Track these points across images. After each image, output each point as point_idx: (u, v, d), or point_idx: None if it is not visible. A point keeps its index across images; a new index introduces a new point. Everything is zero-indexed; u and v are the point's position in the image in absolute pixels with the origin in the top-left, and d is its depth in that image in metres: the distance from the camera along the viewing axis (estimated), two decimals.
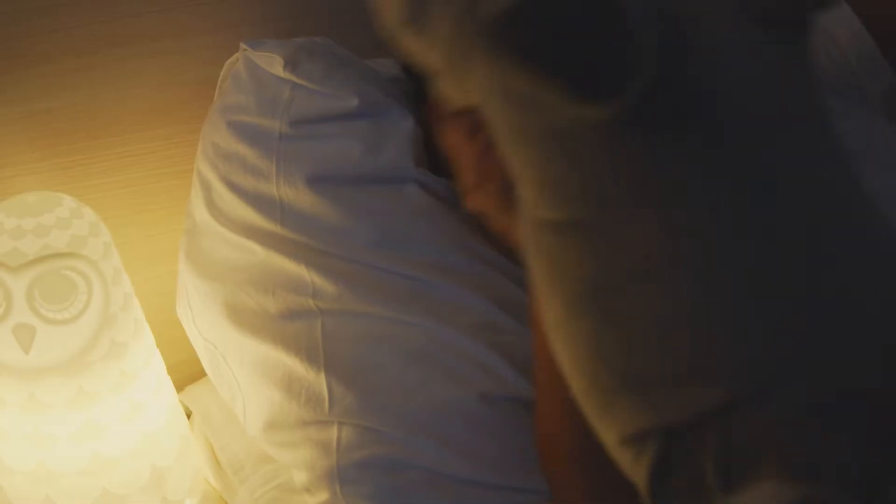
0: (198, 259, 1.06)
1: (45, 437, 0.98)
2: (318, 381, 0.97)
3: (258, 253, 1.02)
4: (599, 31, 0.62)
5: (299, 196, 1.02)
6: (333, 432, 0.96)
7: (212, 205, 1.06)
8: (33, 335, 0.94)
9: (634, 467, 0.79)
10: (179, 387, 1.15)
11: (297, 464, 0.99)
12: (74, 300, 0.95)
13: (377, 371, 0.97)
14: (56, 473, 0.99)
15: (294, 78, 1.05)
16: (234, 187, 1.04)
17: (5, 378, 0.96)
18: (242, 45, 1.09)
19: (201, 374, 1.14)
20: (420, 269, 1.02)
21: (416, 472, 0.95)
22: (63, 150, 1.14)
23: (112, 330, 0.98)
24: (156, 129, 1.17)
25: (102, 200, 1.16)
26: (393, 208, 1.04)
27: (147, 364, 1.03)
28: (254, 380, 1.01)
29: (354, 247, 1.01)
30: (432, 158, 1.08)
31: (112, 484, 1.00)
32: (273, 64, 1.07)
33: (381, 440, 0.95)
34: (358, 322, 0.99)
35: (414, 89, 1.09)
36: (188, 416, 1.17)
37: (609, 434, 0.80)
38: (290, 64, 1.06)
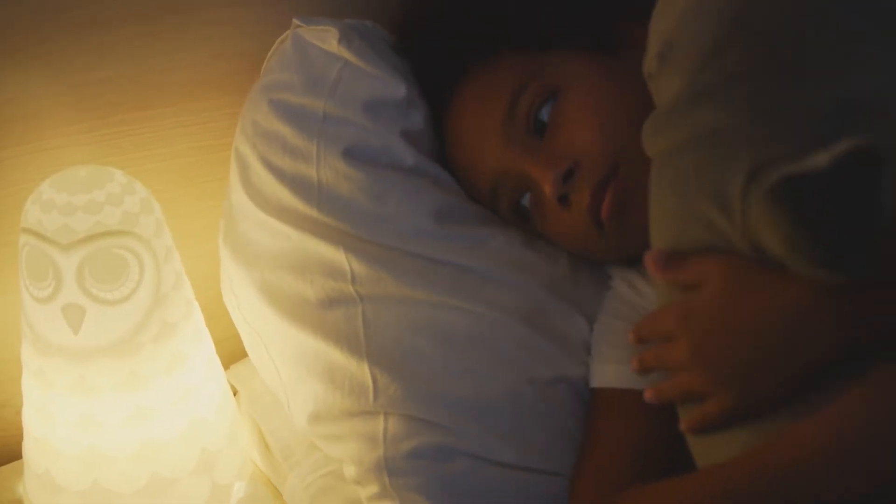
0: (235, 244, 1.03)
1: (95, 421, 0.95)
2: (361, 370, 0.94)
3: (292, 237, 0.99)
4: (861, 225, 0.65)
5: (338, 179, 0.98)
6: (380, 423, 0.93)
7: (248, 183, 1.02)
8: (83, 315, 0.91)
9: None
10: (225, 364, 1.11)
11: (345, 457, 0.96)
12: (126, 280, 0.92)
13: (421, 358, 0.94)
14: (105, 458, 0.96)
15: (347, 54, 1.01)
16: (271, 167, 1.00)
17: (54, 359, 0.93)
18: (295, 21, 1.05)
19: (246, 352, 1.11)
20: (463, 254, 0.99)
21: (464, 460, 0.92)
22: (112, 122, 1.10)
23: (163, 310, 0.95)
24: (207, 101, 1.13)
25: (151, 173, 1.12)
26: (433, 193, 1.01)
27: (197, 345, 1.00)
28: (296, 371, 0.98)
29: (393, 232, 0.98)
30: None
31: (161, 468, 0.97)
32: (327, 38, 1.03)
33: (429, 429, 0.93)
34: (399, 308, 0.96)
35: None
36: (235, 394, 1.14)
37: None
38: (346, 39, 1.02)
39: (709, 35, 0.77)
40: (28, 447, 1.01)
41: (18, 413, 1.01)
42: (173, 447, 0.98)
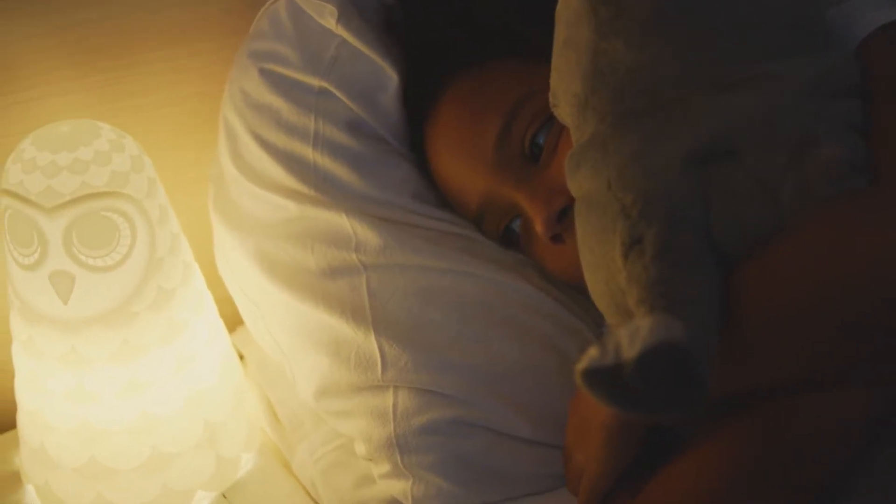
0: (227, 210, 0.97)
1: (89, 394, 0.89)
2: (368, 342, 0.88)
3: (290, 208, 0.92)
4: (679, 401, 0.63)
5: (336, 156, 0.92)
6: (389, 397, 0.88)
7: (237, 155, 0.96)
8: (72, 283, 0.85)
9: None
10: (230, 327, 1.05)
11: (355, 434, 0.91)
12: (117, 244, 0.85)
13: (431, 327, 0.88)
14: (101, 432, 0.91)
15: (345, 34, 0.94)
16: (263, 142, 0.94)
17: (43, 329, 0.87)
18: None
19: None
20: (471, 226, 0.94)
21: (480, 434, 0.87)
22: (99, 68, 1.02)
23: (159, 276, 0.88)
24: (202, 43, 1.05)
25: (143, 122, 1.05)
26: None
27: (198, 311, 0.94)
28: (298, 344, 0.92)
29: (397, 204, 0.92)
30: None
31: (162, 442, 0.92)
32: (324, 13, 0.95)
33: (441, 402, 0.87)
34: (406, 275, 0.90)
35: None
36: (241, 359, 1.08)
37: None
38: (344, 17, 0.94)
39: (578, 83, 0.77)
40: (22, 420, 0.96)
41: (13, 379, 0.95)
42: (174, 420, 0.92)
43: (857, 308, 0.66)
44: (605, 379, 0.63)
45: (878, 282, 0.65)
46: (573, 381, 0.72)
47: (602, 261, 0.75)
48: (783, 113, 0.72)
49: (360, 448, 0.91)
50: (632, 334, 0.63)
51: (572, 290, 0.92)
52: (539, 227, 0.86)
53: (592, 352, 0.63)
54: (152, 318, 0.89)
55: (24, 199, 0.83)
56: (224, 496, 0.98)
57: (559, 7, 0.80)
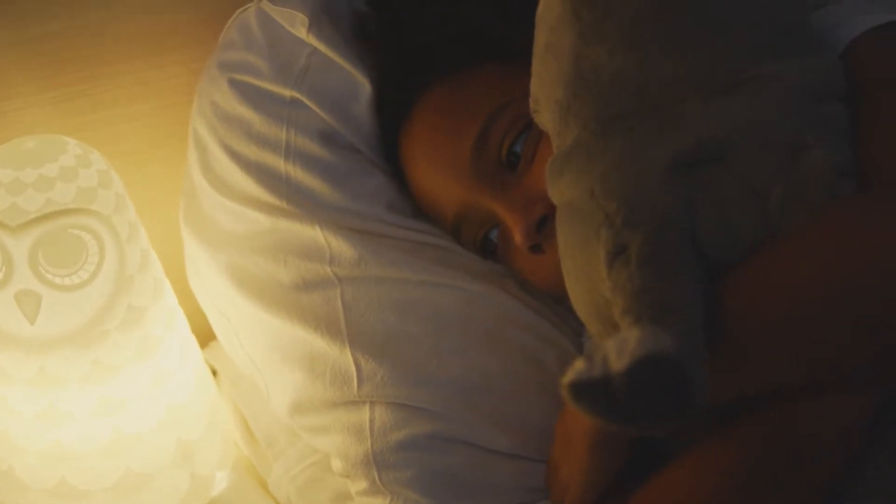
0: (198, 224, 0.95)
1: (60, 415, 0.88)
2: (343, 356, 0.87)
3: (262, 221, 0.91)
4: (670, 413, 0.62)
5: (308, 167, 0.91)
6: (365, 413, 0.86)
7: (208, 168, 0.94)
8: (39, 303, 0.83)
9: None
10: (202, 342, 1.03)
11: (331, 450, 0.89)
12: (84, 262, 0.84)
13: (407, 340, 0.87)
14: (73, 453, 0.89)
15: (316, 43, 0.93)
16: (234, 154, 0.92)
17: (10, 351, 0.85)
18: None
19: None
20: (446, 236, 0.92)
21: (458, 449, 0.86)
22: (65, 81, 1.00)
23: (129, 294, 0.86)
24: (171, 54, 1.03)
25: (113, 135, 1.03)
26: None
27: (170, 327, 0.92)
28: (272, 359, 0.91)
29: (372, 215, 0.91)
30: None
31: (135, 462, 0.90)
32: (294, 22, 0.94)
33: (418, 417, 0.86)
34: (381, 288, 0.88)
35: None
36: (214, 375, 1.06)
37: None
38: (315, 25, 0.93)
39: (560, 89, 0.76)
40: None
41: None
42: (147, 439, 0.91)
43: (859, 310, 0.65)
44: (593, 392, 0.62)
45: (881, 283, 0.64)
46: (553, 393, 0.72)
47: (585, 270, 0.74)
48: (773, 118, 0.71)
49: (337, 465, 0.89)
50: (619, 346, 0.62)
51: (552, 299, 0.91)
52: (518, 238, 0.85)
53: (579, 364, 0.62)
54: (123, 336, 0.87)
55: None
56: None
57: (540, 10, 0.78)
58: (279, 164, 0.91)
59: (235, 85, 0.93)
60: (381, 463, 0.85)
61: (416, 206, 0.94)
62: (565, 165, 0.76)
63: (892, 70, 0.74)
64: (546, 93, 0.78)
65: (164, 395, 0.91)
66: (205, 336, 1.05)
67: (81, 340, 0.85)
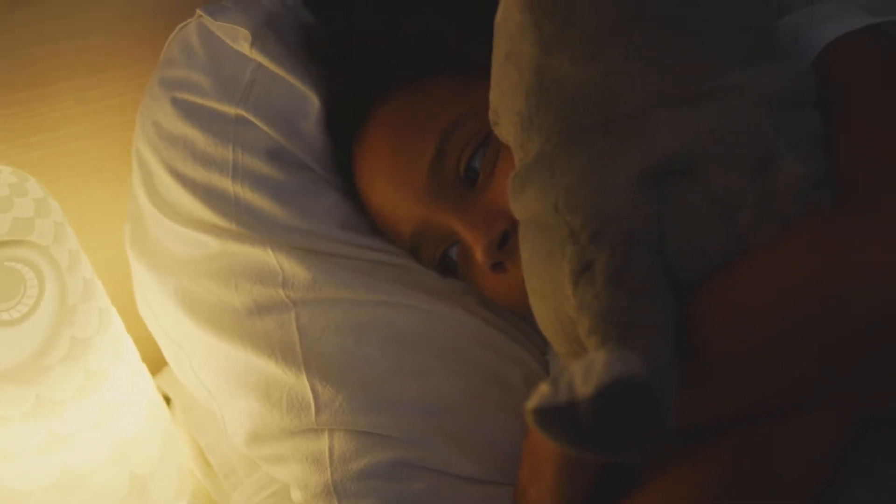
0: (145, 248, 0.92)
1: (3, 453, 0.84)
2: (300, 383, 0.84)
3: (211, 245, 0.88)
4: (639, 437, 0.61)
5: (257, 187, 0.88)
6: (324, 441, 0.83)
7: (153, 192, 0.91)
8: None
9: None
10: (154, 368, 1.00)
11: (290, 480, 0.86)
12: (23, 296, 0.80)
13: (365, 364, 0.84)
14: (18, 492, 0.85)
15: (261, 58, 0.90)
16: (179, 176, 0.89)
17: None
18: (199, 12, 0.93)
19: None
20: (404, 255, 0.89)
21: (422, 476, 0.83)
22: (2, 102, 0.96)
23: (72, 326, 0.83)
24: (112, 71, 1.00)
25: (53, 157, 1.00)
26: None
27: (117, 358, 0.89)
28: (226, 387, 0.88)
29: (325, 235, 0.88)
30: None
31: (86, 499, 0.87)
32: (237, 38, 0.91)
33: (380, 444, 0.83)
34: (337, 310, 0.85)
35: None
36: (167, 402, 1.03)
37: None
38: (259, 40, 0.90)
39: (521, 100, 0.73)
40: None
41: None
42: (98, 475, 0.88)
43: (838, 329, 0.63)
44: (558, 418, 0.59)
45: (860, 301, 0.62)
46: (518, 413, 0.69)
47: (549, 287, 0.71)
48: (742, 128, 0.68)
49: (297, 495, 0.86)
50: (586, 370, 0.60)
51: (515, 316, 0.89)
52: (480, 256, 0.82)
53: (544, 389, 0.60)
54: (67, 370, 0.83)
55: None
56: None
57: (498, 18, 0.75)
58: (227, 184, 0.88)
59: (178, 104, 0.90)
60: (342, 493, 0.83)
61: (371, 224, 0.91)
62: (528, 179, 0.73)
63: (865, 76, 0.72)
64: (507, 104, 0.75)
65: (112, 429, 0.87)
66: (156, 362, 1.01)
67: (22, 376, 0.81)
